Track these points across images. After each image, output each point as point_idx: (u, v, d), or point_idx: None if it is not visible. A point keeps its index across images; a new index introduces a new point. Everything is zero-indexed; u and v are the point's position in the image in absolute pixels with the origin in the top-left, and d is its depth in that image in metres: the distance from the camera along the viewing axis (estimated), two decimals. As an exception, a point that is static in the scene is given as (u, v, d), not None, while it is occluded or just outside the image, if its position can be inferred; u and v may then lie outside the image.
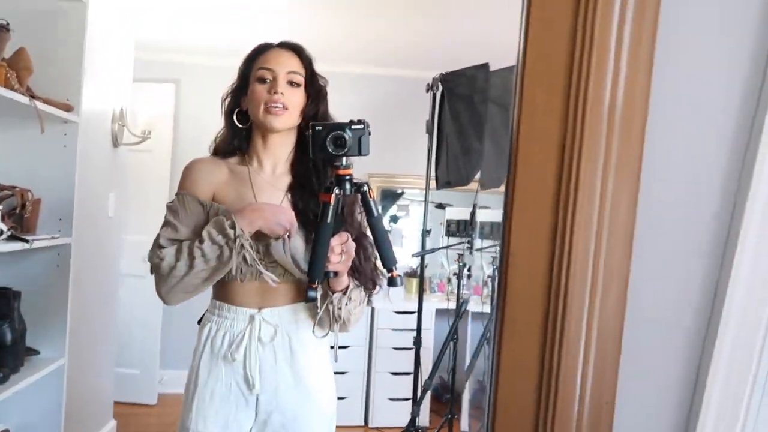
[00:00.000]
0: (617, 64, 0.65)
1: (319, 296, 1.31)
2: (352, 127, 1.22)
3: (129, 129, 2.82)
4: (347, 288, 1.34)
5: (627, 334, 0.72)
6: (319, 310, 1.33)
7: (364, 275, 1.37)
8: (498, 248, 2.64)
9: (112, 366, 2.84)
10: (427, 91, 2.66)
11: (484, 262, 3.50)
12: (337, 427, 1.47)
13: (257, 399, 1.36)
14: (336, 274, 1.28)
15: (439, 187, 2.72)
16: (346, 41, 3.39)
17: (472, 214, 2.49)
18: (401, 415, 3.44)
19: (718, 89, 0.71)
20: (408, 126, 3.80)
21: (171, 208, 1.35)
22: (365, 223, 1.31)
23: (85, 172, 1.96)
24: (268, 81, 1.35)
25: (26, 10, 1.87)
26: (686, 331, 0.76)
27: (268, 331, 1.35)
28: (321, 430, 1.42)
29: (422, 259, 2.80)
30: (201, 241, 1.24)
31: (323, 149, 1.21)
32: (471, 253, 2.58)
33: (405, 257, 4.13)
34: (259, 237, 1.31)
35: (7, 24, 1.59)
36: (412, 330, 3.33)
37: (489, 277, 3.28)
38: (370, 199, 1.23)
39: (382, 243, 1.24)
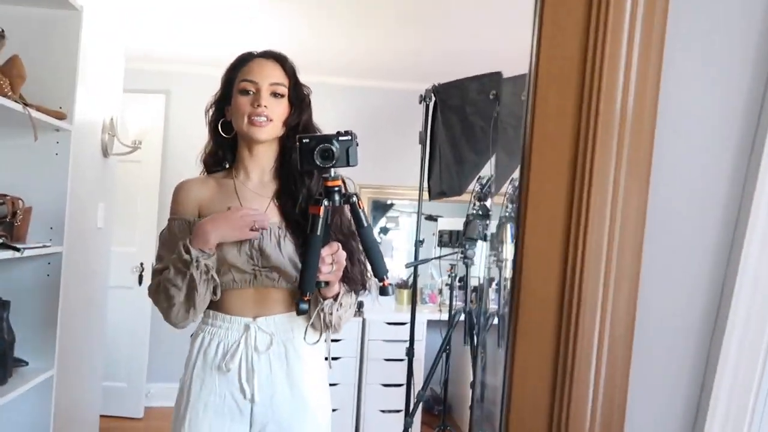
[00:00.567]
0: (628, 67, 0.66)
1: (311, 306, 1.31)
2: (340, 138, 1.22)
3: (119, 139, 2.79)
4: (338, 294, 1.34)
5: (637, 334, 0.72)
6: (311, 318, 1.32)
7: (353, 279, 1.36)
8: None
9: (99, 379, 2.79)
10: (420, 102, 2.68)
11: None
12: (328, 439, 1.46)
13: (252, 410, 1.34)
14: (327, 283, 1.28)
15: (432, 197, 2.73)
16: (337, 54, 3.41)
17: (466, 224, 2.50)
18: (392, 427, 3.42)
19: (723, 93, 0.73)
20: (398, 138, 3.83)
21: (161, 238, 1.39)
22: (353, 228, 1.31)
23: (75, 181, 1.93)
24: (251, 93, 1.35)
25: (19, 18, 1.85)
26: (694, 332, 0.77)
27: (264, 340, 1.34)
28: None
29: (415, 270, 2.80)
30: (168, 271, 1.27)
31: (311, 161, 1.21)
32: (465, 263, 2.59)
33: (396, 269, 4.14)
34: (251, 243, 1.31)
35: (2, 31, 1.58)
36: (404, 341, 3.32)
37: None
38: (360, 210, 1.23)
39: (373, 253, 1.24)
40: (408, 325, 2.92)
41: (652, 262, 0.72)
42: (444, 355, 2.70)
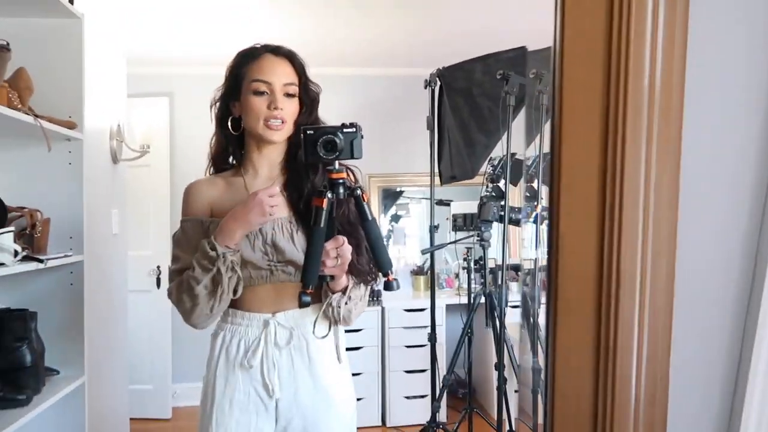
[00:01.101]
0: (654, 40, 0.65)
1: (323, 299, 1.31)
2: (344, 130, 1.21)
3: (127, 144, 2.80)
4: (346, 288, 1.33)
5: (676, 308, 0.72)
6: (318, 313, 1.33)
7: (361, 270, 1.35)
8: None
9: (126, 382, 2.82)
10: (426, 87, 2.65)
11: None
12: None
13: (276, 405, 1.35)
14: (333, 277, 1.27)
15: (443, 182, 2.72)
16: (338, 43, 3.39)
17: (480, 206, 2.49)
18: (418, 412, 3.44)
19: (750, 63, 0.71)
20: (405, 124, 3.81)
21: (175, 239, 1.38)
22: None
23: (88, 189, 1.93)
24: (265, 93, 1.33)
25: (21, 30, 1.85)
26: (730, 302, 0.76)
27: (284, 335, 1.35)
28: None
29: (432, 255, 2.80)
30: (193, 270, 1.27)
31: (315, 153, 1.20)
32: (482, 245, 2.58)
33: (410, 256, 4.14)
34: (264, 239, 1.31)
35: (7, 44, 1.58)
36: (423, 327, 3.33)
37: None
38: (364, 203, 1.22)
39: (377, 247, 1.23)
40: (427, 311, 2.93)
41: (687, 236, 0.72)
42: (466, 338, 2.70)
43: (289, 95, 1.35)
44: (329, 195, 1.20)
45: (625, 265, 0.66)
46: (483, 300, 2.65)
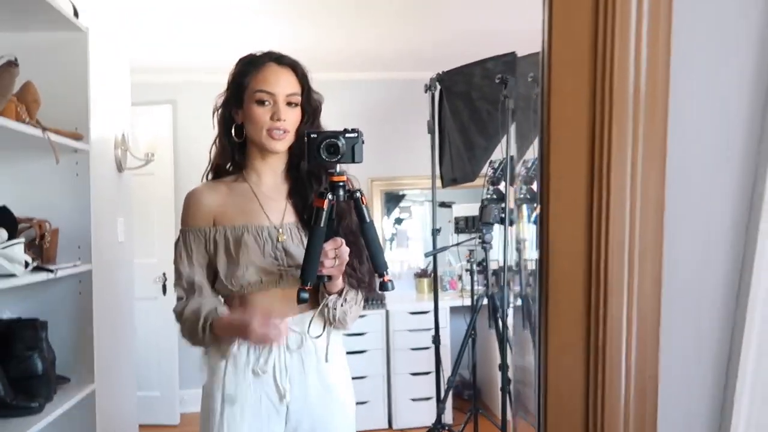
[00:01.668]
0: (638, 44, 0.67)
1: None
2: (346, 135, 1.24)
3: (132, 153, 2.83)
4: (342, 290, 1.36)
5: (664, 309, 0.74)
6: (314, 313, 1.36)
7: (361, 279, 1.38)
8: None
9: (134, 389, 2.85)
10: (426, 91, 2.69)
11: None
12: (362, 431, 1.50)
13: (287, 408, 1.37)
14: (330, 278, 1.30)
15: (444, 185, 2.75)
16: (338, 48, 3.42)
17: (481, 209, 2.51)
18: (424, 414, 3.46)
19: (734, 65, 0.74)
20: (406, 128, 3.84)
21: (176, 251, 1.41)
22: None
23: (95, 199, 1.97)
24: (267, 104, 1.35)
25: (27, 44, 1.89)
26: (718, 305, 0.78)
27: (296, 339, 1.37)
28: (347, 430, 1.45)
29: (435, 258, 2.82)
30: (183, 328, 1.39)
31: (317, 156, 1.24)
32: (483, 248, 2.60)
33: (414, 259, 4.16)
34: (275, 244, 1.35)
35: (15, 59, 1.61)
36: (428, 329, 3.35)
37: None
38: (363, 206, 1.26)
39: (374, 249, 1.26)
40: (431, 314, 2.95)
41: (673, 238, 0.74)
42: (470, 340, 2.72)
43: (291, 104, 1.37)
44: (330, 197, 1.23)
45: (613, 267, 0.68)
46: (486, 302, 2.67)
